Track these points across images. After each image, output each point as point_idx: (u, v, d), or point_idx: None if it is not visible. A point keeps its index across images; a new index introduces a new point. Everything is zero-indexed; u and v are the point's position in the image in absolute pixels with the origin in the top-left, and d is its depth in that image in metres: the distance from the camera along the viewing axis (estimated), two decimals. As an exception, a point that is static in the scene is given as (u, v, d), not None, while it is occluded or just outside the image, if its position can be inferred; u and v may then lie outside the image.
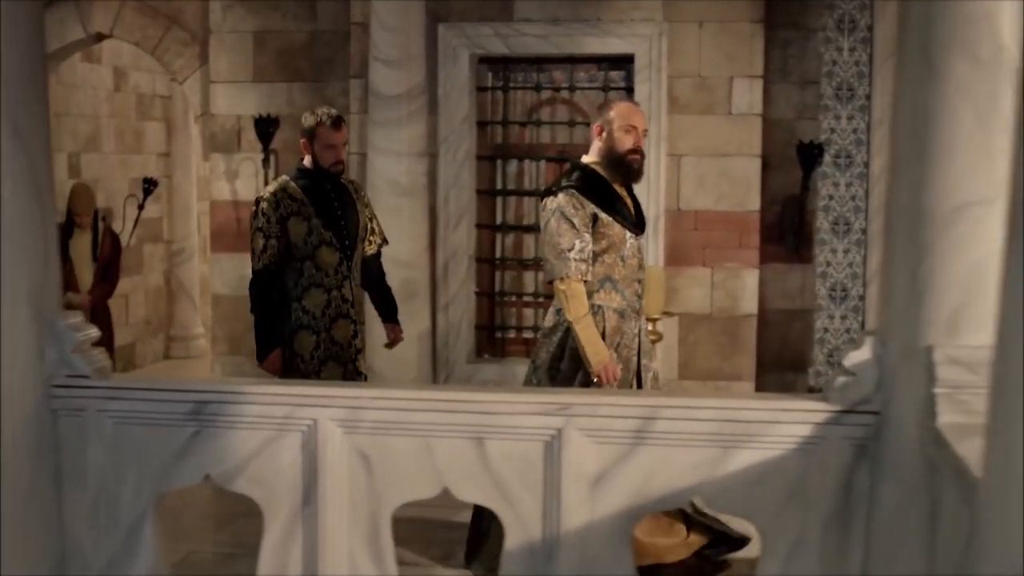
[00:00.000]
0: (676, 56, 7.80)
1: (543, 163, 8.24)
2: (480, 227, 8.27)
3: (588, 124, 8.17)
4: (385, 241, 6.17)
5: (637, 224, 5.34)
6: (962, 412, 2.92)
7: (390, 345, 6.16)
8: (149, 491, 3.68)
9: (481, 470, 3.61)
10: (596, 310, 5.14)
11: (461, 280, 8.14)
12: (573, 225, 5.08)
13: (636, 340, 5.32)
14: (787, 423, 3.40)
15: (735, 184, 7.92)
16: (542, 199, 5.30)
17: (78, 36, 9.15)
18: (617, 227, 5.18)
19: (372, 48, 7.59)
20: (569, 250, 5.06)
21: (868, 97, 8.50)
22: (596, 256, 5.14)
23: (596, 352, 5.04)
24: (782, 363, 8.25)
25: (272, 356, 5.71)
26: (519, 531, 3.61)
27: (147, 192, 11.43)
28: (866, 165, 8.43)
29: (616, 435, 3.52)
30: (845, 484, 3.34)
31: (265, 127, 8.24)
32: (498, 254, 8.36)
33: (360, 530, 3.70)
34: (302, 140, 5.76)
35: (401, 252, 7.42)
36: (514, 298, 8.40)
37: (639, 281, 5.32)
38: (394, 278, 7.51)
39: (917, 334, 3.04)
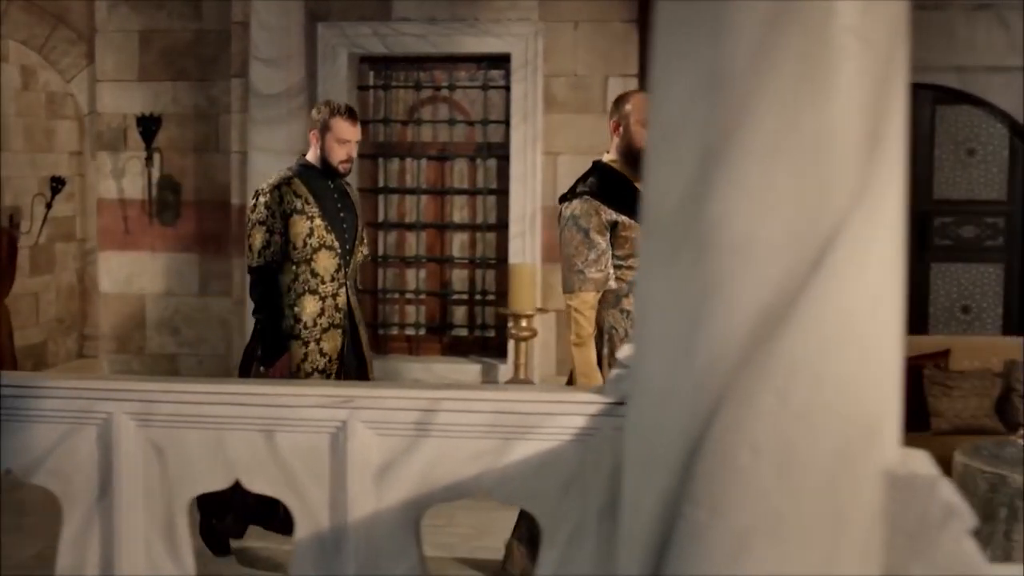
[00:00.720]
0: (552, 55, 7.88)
1: (424, 161, 8.30)
2: (362, 225, 8.31)
3: (469, 123, 8.26)
4: (368, 253, 5.84)
5: None
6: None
7: None
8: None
9: (271, 462, 3.66)
10: (626, 315, 4.93)
11: (341, 278, 8.18)
12: (587, 235, 4.84)
13: None
14: (564, 415, 3.46)
15: (613, 182, 7.98)
16: (559, 203, 5.08)
17: (-35, 35, 9.15)
18: (639, 229, 5.02)
19: (252, 47, 7.64)
20: (583, 263, 4.84)
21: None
22: (621, 262, 4.91)
23: (590, 379, 4.88)
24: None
25: (281, 362, 5.32)
26: (308, 522, 3.66)
27: (55, 191, 11.40)
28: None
29: (399, 427, 3.58)
30: (616, 474, 3.41)
31: (148, 126, 8.26)
32: (380, 252, 8.40)
33: (156, 523, 3.75)
34: (312, 132, 5.40)
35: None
36: (397, 296, 8.45)
37: None
38: (273, 276, 7.57)
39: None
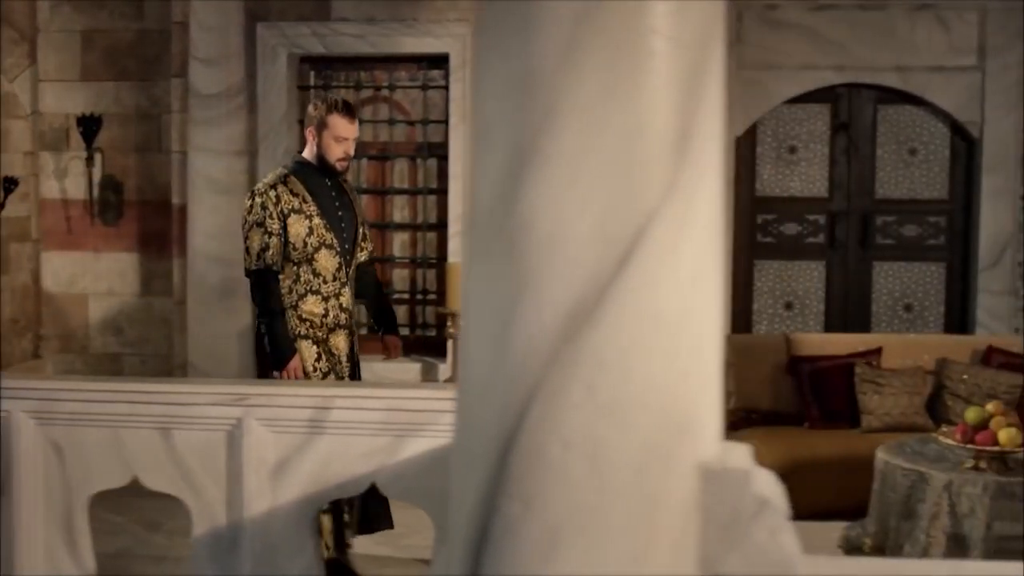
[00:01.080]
0: (491, 55, 7.88)
1: (364, 161, 8.30)
2: (303, 224, 8.32)
3: (409, 123, 8.28)
4: (373, 250, 5.74)
5: None
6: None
7: (388, 357, 5.71)
8: None
9: (168, 460, 3.69)
10: None
11: (283, 277, 8.19)
12: None
13: None
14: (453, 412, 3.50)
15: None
16: None
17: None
18: None
19: (191, 47, 7.65)
20: None
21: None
22: None
23: None
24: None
25: (292, 364, 5.13)
26: (205, 519, 3.69)
27: (8, 191, 11.35)
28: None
29: (294, 424, 3.62)
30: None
31: (89, 126, 8.26)
32: (323, 250, 8.41)
33: (55, 522, 3.77)
34: (308, 129, 5.27)
35: (221, 250, 7.48)
36: (338, 295, 8.46)
37: None
38: (214, 275, 7.60)
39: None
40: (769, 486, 1.96)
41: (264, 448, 3.62)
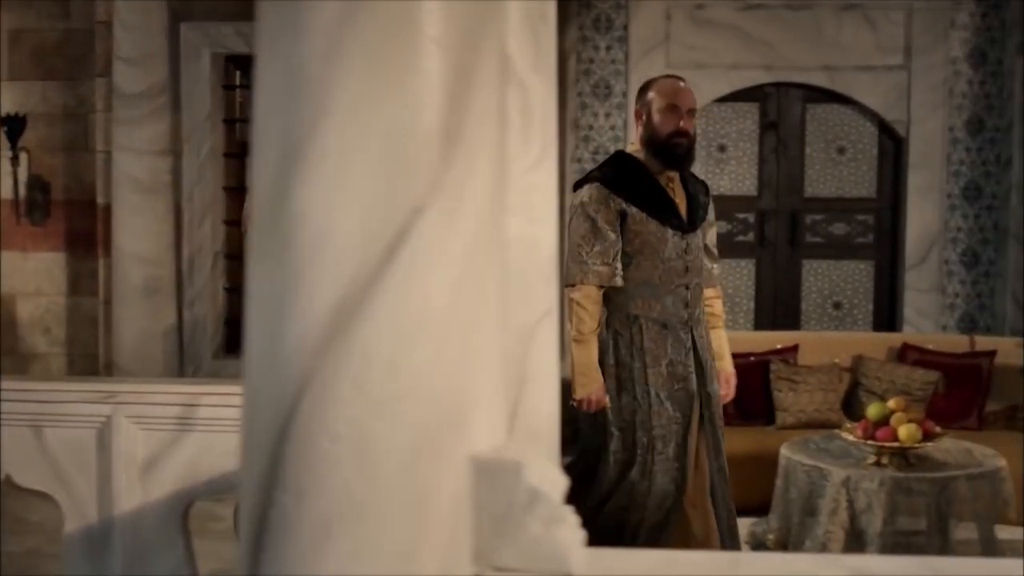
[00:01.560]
0: (414, 55, 7.90)
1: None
2: (228, 224, 8.33)
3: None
4: None
5: (687, 220, 4.80)
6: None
7: None
8: None
9: (40, 457, 3.70)
10: (632, 320, 4.70)
11: (207, 276, 8.21)
12: (595, 224, 4.61)
13: (690, 356, 4.81)
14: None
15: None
16: (573, 190, 4.84)
17: None
18: (654, 224, 4.69)
19: (114, 46, 7.65)
20: (587, 254, 4.61)
21: (624, 95, 8.71)
22: (630, 258, 4.70)
23: (585, 380, 4.65)
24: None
25: None
26: (77, 516, 3.71)
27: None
28: (623, 162, 8.62)
29: (163, 422, 3.64)
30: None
31: (13, 125, 8.25)
32: (249, 250, 8.42)
33: (-71, 518, 3.77)
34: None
35: (145, 249, 7.50)
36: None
37: (687, 287, 4.78)
38: (138, 275, 7.60)
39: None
40: (547, 479, 2.00)
41: (134, 445, 3.63)
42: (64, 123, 8.32)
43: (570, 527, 1.98)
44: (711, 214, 5.03)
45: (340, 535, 1.90)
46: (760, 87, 8.75)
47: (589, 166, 8.51)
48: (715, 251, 5.10)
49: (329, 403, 1.89)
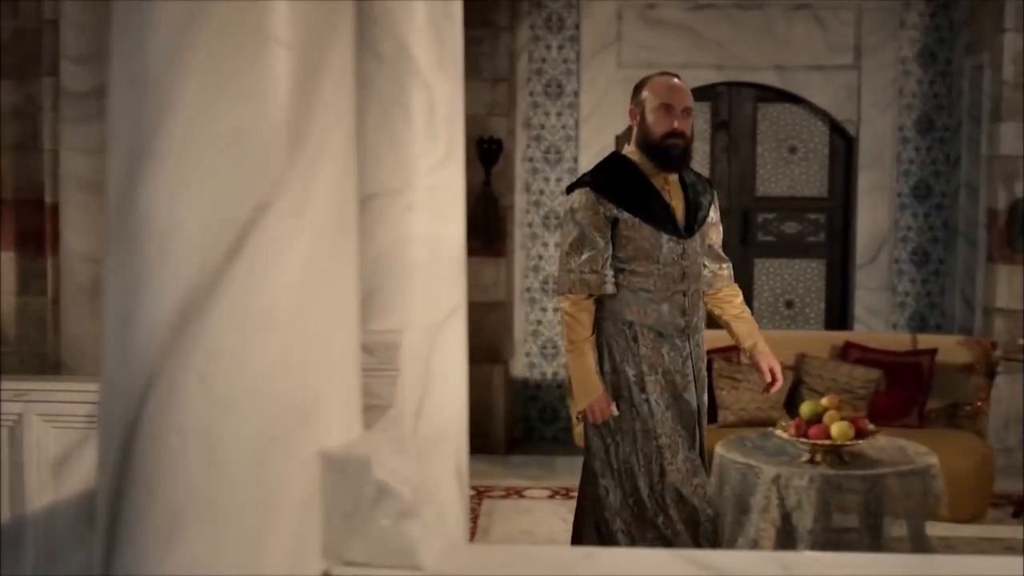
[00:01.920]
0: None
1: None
2: (177, 222, 8.32)
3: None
4: None
5: (684, 224, 4.64)
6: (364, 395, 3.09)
7: None
8: None
9: (-48, 456, 3.71)
10: (628, 326, 4.57)
11: (156, 275, 8.20)
12: (583, 231, 4.49)
13: (688, 365, 4.71)
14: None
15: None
16: (566, 193, 4.75)
17: None
18: (647, 230, 4.54)
19: (62, 45, 7.63)
20: (576, 263, 4.49)
21: (576, 94, 8.73)
22: (624, 264, 4.57)
23: (584, 390, 4.55)
24: (478, 355, 8.42)
25: None
26: (-13, 515, 3.72)
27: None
28: (575, 160, 8.65)
29: (73, 419, 3.65)
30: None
31: (-39, 124, 8.25)
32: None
33: None
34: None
35: (92, 248, 7.48)
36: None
37: (684, 294, 4.63)
38: (85, 274, 7.58)
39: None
40: (397, 475, 2.01)
41: (45, 443, 3.64)
42: (13, 122, 8.31)
43: (421, 523, 2.00)
44: (714, 213, 4.87)
45: (189, 530, 1.92)
46: (711, 86, 8.78)
47: (540, 166, 8.56)
48: (720, 251, 4.94)
49: (176, 399, 1.91)
